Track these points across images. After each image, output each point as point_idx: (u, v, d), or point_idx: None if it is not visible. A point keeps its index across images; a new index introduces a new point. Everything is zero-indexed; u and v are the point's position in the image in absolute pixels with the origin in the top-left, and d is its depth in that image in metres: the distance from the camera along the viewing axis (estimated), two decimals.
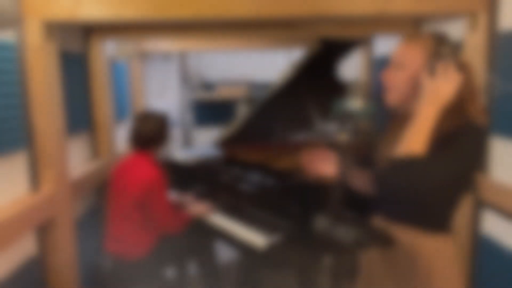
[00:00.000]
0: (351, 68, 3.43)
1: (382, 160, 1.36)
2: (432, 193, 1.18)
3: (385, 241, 1.22)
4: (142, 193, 2.12)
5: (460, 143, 1.17)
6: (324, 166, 1.53)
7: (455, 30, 2.10)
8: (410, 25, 2.51)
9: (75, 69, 2.39)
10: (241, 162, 2.71)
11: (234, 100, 4.27)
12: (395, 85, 1.28)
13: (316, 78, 2.59)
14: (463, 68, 1.24)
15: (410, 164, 1.15)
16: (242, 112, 3.67)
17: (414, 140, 1.16)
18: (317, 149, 1.56)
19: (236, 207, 2.39)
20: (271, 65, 4.24)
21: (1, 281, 1.61)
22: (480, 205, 1.87)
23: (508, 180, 1.73)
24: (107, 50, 2.78)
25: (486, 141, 1.23)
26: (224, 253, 3.28)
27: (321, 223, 1.24)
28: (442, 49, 1.21)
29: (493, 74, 1.78)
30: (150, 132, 2.25)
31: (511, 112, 1.68)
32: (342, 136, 1.23)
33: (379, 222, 1.40)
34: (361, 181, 1.52)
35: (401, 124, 1.36)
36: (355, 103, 1.22)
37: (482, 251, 1.88)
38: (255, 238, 2.02)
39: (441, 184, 1.16)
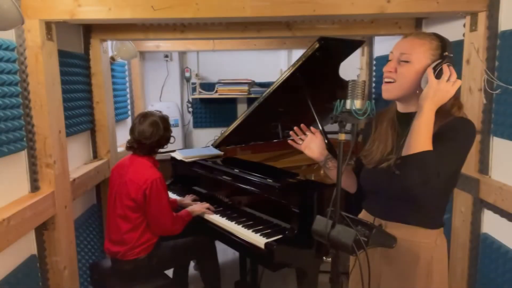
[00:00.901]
0: (351, 68, 3.43)
1: (373, 155, 1.38)
2: (440, 185, 1.22)
3: (386, 241, 1.22)
4: (140, 194, 2.10)
5: (459, 134, 1.23)
6: (312, 148, 1.55)
7: (455, 30, 2.10)
8: (410, 25, 2.51)
9: (75, 69, 2.39)
10: (241, 162, 2.71)
11: (234, 100, 4.27)
12: (399, 78, 1.30)
13: (316, 77, 2.59)
14: None
15: (427, 158, 1.17)
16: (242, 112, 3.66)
17: (421, 136, 1.19)
18: (314, 132, 1.58)
19: (236, 207, 2.39)
20: (271, 65, 4.23)
21: (3, 279, 1.61)
22: (480, 205, 1.87)
23: (508, 180, 1.73)
24: (107, 50, 2.79)
25: (475, 132, 1.27)
26: (224, 253, 3.28)
27: (321, 223, 1.24)
28: (446, 52, 1.25)
29: (493, 74, 1.78)
30: (147, 133, 2.15)
31: (510, 112, 1.68)
32: (342, 136, 1.23)
33: (377, 221, 1.40)
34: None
35: (388, 120, 1.38)
36: (355, 103, 1.21)
37: (483, 250, 1.88)
38: (255, 238, 2.02)
39: (451, 174, 1.22)
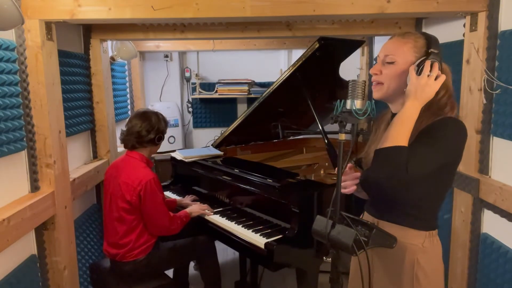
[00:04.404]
0: (351, 68, 3.43)
1: (369, 158, 1.37)
2: (418, 184, 1.20)
3: (386, 241, 1.22)
4: (135, 196, 2.08)
5: (442, 133, 1.21)
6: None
7: (455, 30, 2.10)
8: (410, 25, 2.51)
9: (75, 69, 2.39)
10: (241, 162, 2.71)
11: (234, 100, 4.27)
12: (385, 80, 1.30)
13: (316, 77, 2.59)
14: (444, 72, 1.27)
15: (393, 152, 1.17)
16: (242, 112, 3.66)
17: (398, 132, 1.19)
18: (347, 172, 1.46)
19: (236, 207, 2.39)
20: (271, 65, 4.24)
21: (2, 279, 1.61)
22: (480, 205, 1.87)
23: (508, 180, 1.73)
24: (107, 50, 2.79)
25: (466, 133, 1.26)
26: (224, 253, 3.28)
27: (321, 223, 1.24)
28: (431, 49, 1.25)
29: (493, 74, 1.78)
30: (147, 129, 2.17)
31: (510, 112, 1.68)
32: (342, 136, 1.23)
33: (369, 218, 1.42)
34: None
35: (386, 123, 1.38)
36: (355, 103, 1.22)
37: (483, 250, 1.88)
38: (255, 238, 2.02)
39: (425, 171, 1.19)
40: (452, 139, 1.23)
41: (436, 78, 1.21)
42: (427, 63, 1.21)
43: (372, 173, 1.24)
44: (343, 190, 1.36)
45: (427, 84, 1.20)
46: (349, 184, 1.37)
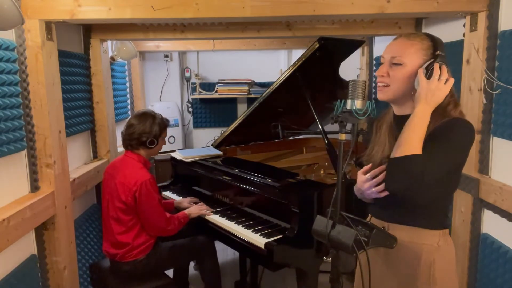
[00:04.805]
0: (351, 68, 3.43)
1: (373, 160, 1.37)
2: (431, 188, 1.20)
3: (387, 241, 1.22)
4: (130, 197, 2.08)
5: (451, 137, 1.21)
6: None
7: (455, 30, 2.10)
8: (410, 25, 2.51)
9: (75, 69, 2.39)
10: (241, 162, 2.71)
11: (234, 100, 4.27)
12: (393, 82, 1.29)
13: (316, 77, 2.59)
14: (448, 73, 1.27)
15: (409, 162, 1.16)
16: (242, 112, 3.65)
17: (411, 138, 1.19)
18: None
19: (236, 207, 2.39)
20: (271, 65, 4.24)
21: (2, 279, 1.61)
22: (480, 205, 1.87)
23: (508, 180, 1.73)
24: (107, 50, 2.79)
25: (474, 134, 1.26)
26: (224, 253, 3.28)
27: (321, 223, 1.24)
28: (438, 51, 1.24)
29: (493, 74, 1.78)
30: (139, 132, 2.16)
31: (510, 112, 1.68)
32: (342, 136, 1.22)
33: (378, 222, 1.40)
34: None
35: (387, 124, 1.37)
36: (355, 103, 1.21)
37: (482, 250, 1.88)
38: (255, 238, 2.02)
39: (438, 177, 1.19)
40: (462, 141, 1.22)
41: (445, 82, 1.21)
42: (436, 66, 1.20)
43: (388, 183, 1.24)
44: (382, 194, 1.30)
45: (437, 88, 1.20)
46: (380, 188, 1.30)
